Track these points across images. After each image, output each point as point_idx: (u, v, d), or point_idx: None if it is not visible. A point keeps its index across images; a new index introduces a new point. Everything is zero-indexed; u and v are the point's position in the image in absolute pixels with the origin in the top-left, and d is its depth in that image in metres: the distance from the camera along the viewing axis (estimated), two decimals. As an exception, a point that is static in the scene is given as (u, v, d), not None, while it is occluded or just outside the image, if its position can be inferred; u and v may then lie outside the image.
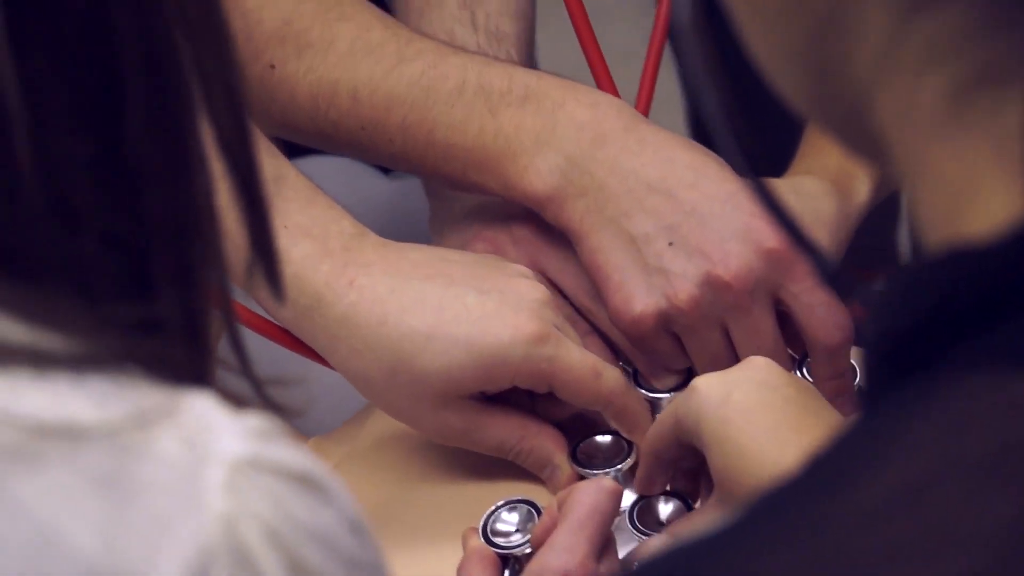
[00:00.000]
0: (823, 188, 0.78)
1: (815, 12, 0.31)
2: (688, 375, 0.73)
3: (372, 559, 0.38)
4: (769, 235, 0.69)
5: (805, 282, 0.69)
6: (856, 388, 0.74)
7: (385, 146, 0.75)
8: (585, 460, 0.68)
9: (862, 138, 0.32)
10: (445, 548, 0.69)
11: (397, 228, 0.82)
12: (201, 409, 0.37)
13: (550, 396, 0.68)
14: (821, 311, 0.69)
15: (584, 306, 0.74)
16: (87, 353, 0.37)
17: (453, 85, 0.74)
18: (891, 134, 0.31)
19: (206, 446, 0.35)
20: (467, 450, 0.72)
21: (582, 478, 0.69)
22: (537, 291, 0.69)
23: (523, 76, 0.76)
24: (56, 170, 0.38)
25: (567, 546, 0.59)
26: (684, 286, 0.69)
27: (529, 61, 0.85)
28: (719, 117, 0.38)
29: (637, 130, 0.73)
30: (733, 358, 0.70)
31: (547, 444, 0.69)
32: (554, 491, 0.69)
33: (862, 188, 0.77)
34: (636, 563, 0.65)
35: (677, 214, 0.70)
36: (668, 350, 0.71)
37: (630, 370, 0.73)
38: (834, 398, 0.68)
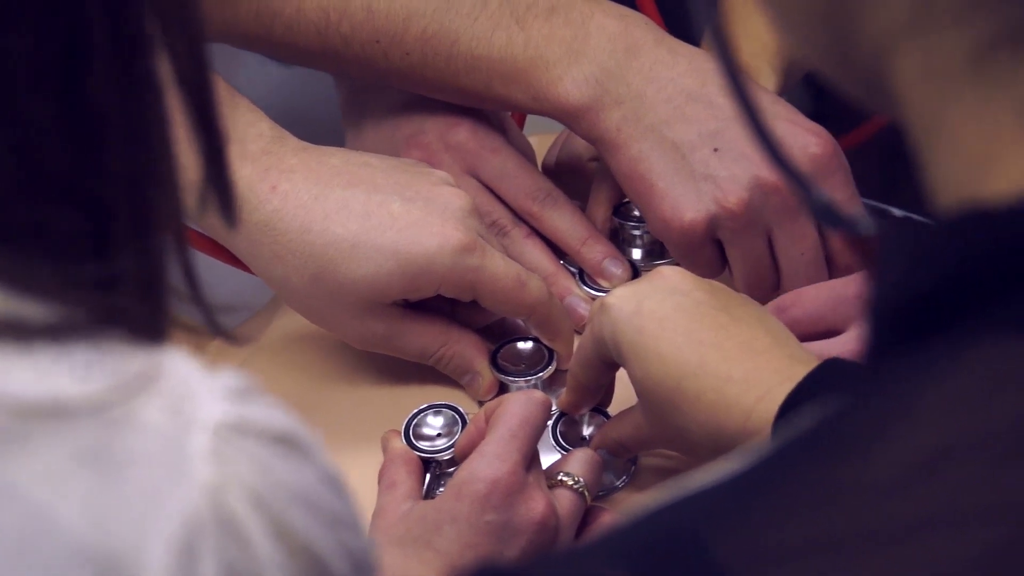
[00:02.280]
0: None
1: None
2: (635, 274, 0.74)
3: (351, 514, 0.38)
4: (813, 142, 0.70)
5: (844, 193, 0.71)
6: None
7: (400, 60, 0.73)
8: (506, 367, 0.68)
9: (881, 97, 0.32)
10: (362, 451, 0.69)
11: (295, 118, 0.80)
12: (181, 371, 0.36)
13: (472, 303, 0.68)
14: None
15: (524, 209, 0.74)
16: (66, 320, 0.36)
17: None
18: (910, 94, 0.31)
19: (189, 413, 0.36)
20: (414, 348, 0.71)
21: (503, 385, 0.69)
22: (461, 199, 0.68)
23: None
24: (23, 130, 0.38)
25: (498, 454, 0.59)
26: (734, 189, 0.69)
27: None
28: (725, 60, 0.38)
29: (667, 42, 0.72)
30: (774, 267, 0.71)
31: (468, 351, 0.69)
32: (474, 397, 0.70)
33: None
34: (630, 513, 0.62)
35: (719, 121, 0.70)
36: (710, 258, 0.71)
37: (575, 270, 0.73)
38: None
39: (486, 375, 0.69)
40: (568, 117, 0.73)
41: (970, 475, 0.29)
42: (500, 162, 0.75)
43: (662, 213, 0.69)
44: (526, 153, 0.78)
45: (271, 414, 0.37)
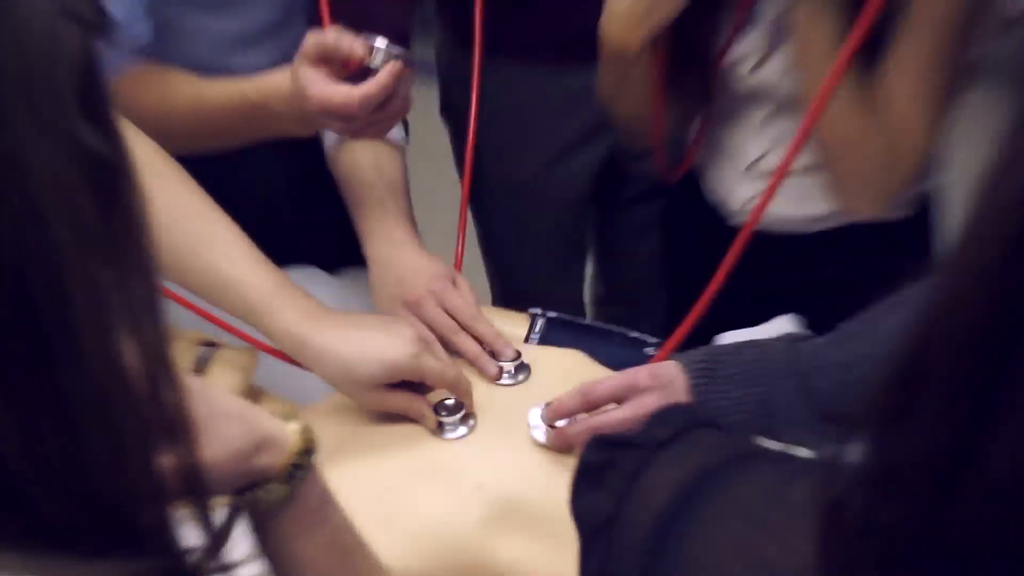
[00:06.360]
0: None
1: None
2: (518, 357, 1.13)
3: None
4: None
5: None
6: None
7: None
8: (441, 412, 1.07)
9: None
10: (398, 452, 1.07)
11: (340, 308, 1.13)
12: None
13: (422, 383, 1.03)
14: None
15: (464, 324, 1.17)
16: None
17: None
18: None
19: None
20: (401, 409, 1.08)
21: (440, 423, 1.06)
22: (413, 331, 1.03)
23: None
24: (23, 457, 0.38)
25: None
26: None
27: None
28: None
29: None
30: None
31: (421, 406, 1.04)
32: (426, 428, 1.07)
33: None
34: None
35: None
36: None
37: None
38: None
39: (431, 417, 1.05)
40: None
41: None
42: (453, 302, 1.15)
43: None
44: (464, 292, 1.17)
45: None
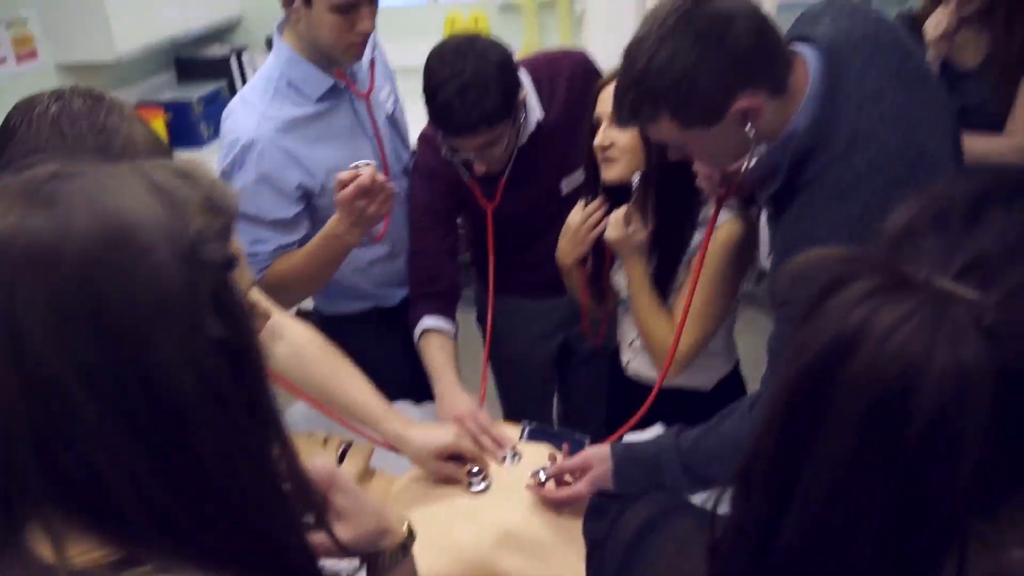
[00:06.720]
0: None
1: None
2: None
3: None
4: None
5: None
6: None
7: None
8: (470, 475, 1.33)
9: None
10: (444, 500, 1.24)
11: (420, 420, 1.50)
12: None
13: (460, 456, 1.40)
14: None
15: (485, 430, 1.38)
16: None
17: None
18: None
19: None
20: (447, 472, 1.31)
21: (470, 482, 1.29)
22: (454, 428, 1.36)
23: None
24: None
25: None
26: None
27: None
28: None
29: None
30: None
31: (459, 472, 1.35)
32: (461, 485, 1.29)
33: None
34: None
35: None
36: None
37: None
38: None
39: (464, 479, 1.34)
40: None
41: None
42: (479, 418, 1.40)
43: None
44: (484, 413, 1.41)
45: None
